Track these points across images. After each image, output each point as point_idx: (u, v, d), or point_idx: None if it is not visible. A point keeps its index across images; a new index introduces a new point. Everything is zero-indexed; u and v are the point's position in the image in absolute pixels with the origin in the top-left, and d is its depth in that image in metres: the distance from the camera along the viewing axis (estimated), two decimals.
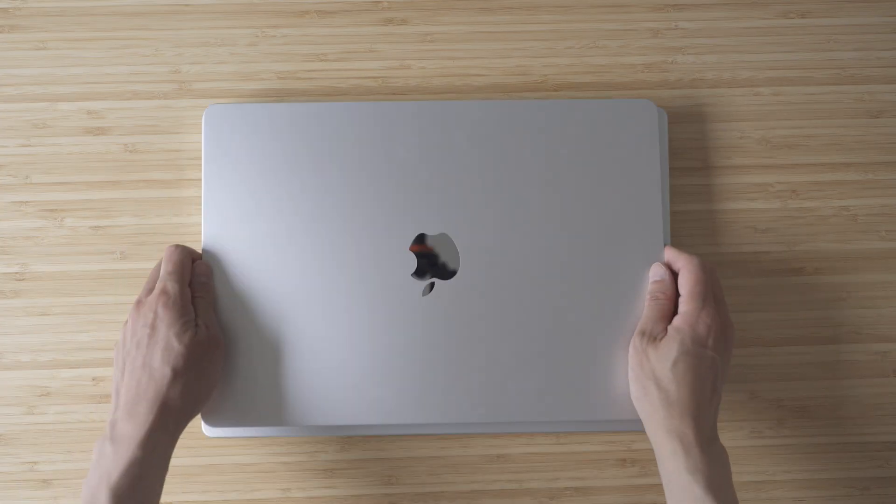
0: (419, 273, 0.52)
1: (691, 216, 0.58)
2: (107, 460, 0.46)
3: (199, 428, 0.56)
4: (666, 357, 0.48)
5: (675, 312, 0.51)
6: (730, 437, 0.58)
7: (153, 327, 0.48)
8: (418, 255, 0.52)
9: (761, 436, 0.58)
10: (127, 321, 0.50)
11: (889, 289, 0.58)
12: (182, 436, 0.56)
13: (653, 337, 0.50)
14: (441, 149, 0.52)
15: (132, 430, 0.46)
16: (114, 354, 0.50)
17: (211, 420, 0.51)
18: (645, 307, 0.52)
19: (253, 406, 0.51)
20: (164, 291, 0.49)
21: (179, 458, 0.56)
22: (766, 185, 0.59)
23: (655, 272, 0.52)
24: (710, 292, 0.50)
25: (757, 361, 0.58)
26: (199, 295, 0.51)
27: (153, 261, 0.57)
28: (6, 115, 0.57)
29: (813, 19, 0.59)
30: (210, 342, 0.49)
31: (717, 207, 0.58)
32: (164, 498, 0.56)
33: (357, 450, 0.57)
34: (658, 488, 0.56)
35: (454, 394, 0.51)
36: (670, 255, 0.53)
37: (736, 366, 0.58)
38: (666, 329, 0.50)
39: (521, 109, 0.53)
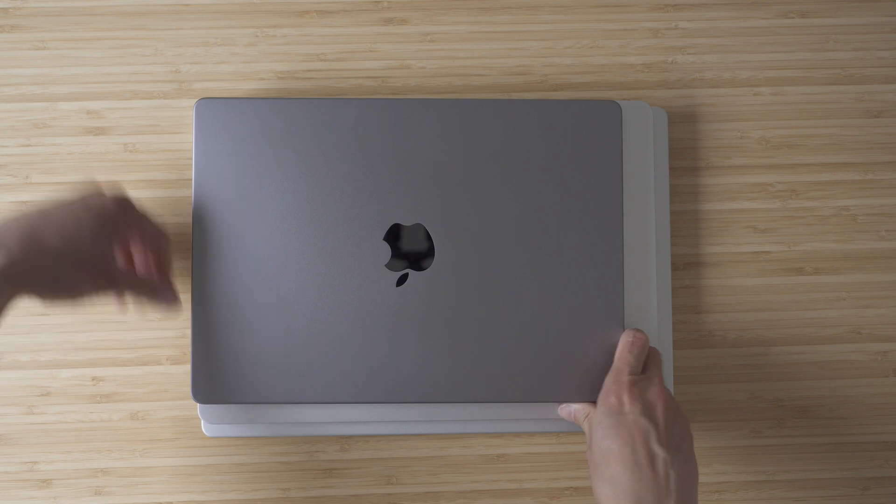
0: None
1: (691, 216, 0.58)
2: None
3: (199, 428, 0.56)
4: (589, 441, 0.48)
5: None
6: (730, 437, 0.58)
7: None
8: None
9: (761, 436, 0.58)
10: None
11: (889, 289, 0.58)
12: (182, 436, 0.56)
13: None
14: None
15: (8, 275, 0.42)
16: None
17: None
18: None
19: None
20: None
21: (179, 458, 0.56)
22: (766, 185, 0.59)
23: (566, 414, 0.53)
24: (625, 366, 0.49)
25: (757, 361, 0.58)
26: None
27: None
28: (6, 115, 0.57)
29: (813, 19, 0.59)
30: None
31: (717, 207, 0.58)
32: (164, 498, 0.56)
33: (357, 450, 0.57)
34: None
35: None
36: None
37: (736, 366, 0.58)
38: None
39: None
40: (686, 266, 0.58)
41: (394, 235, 0.53)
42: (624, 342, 0.51)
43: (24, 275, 0.43)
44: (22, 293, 0.43)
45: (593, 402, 0.51)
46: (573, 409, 0.53)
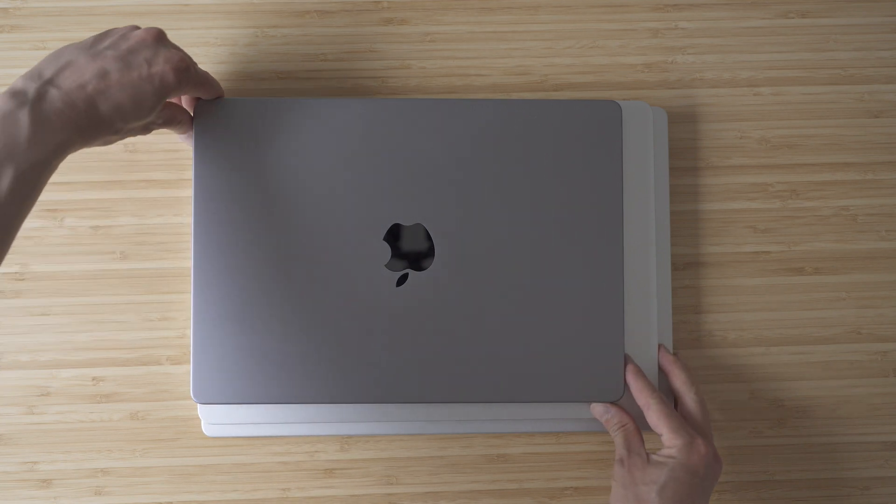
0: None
1: (691, 216, 0.58)
2: (21, 132, 0.40)
3: (199, 428, 0.56)
4: (653, 481, 0.48)
5: (639, 430, 0.52)
6: (730, 437, 0.58)
7: (161, 43, 0.46)
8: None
9: (761, 436, 0.58)
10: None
11: (889, 289, 0.58)
12: (182, 436, 0.56)
13: (633, 462, 0.50)
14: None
15: (70, 122, 0.42)
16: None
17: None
18: (613, 438, 0.53)
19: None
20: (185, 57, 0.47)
21: (179, 458, 0.56)
22: (766, 185, 0.59)
23: (600, 413, 0.54)
24: (707, 426, 0.51)
25: (757, 361, 0.58)
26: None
27: (153, 261, 0.57)
28: None
29: (813, 19, 0.59)
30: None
31: (718, 207, 0.58)
32: (164, 498, 0.56)
33: (357, 450, 0.57)
34: None
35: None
36: (665, 362, 0.54)
37: (736, 366, 0.58)
38: (644, 448, 0.51)
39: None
40: (686, 266, 0.58)
41: (394, 235, 0.53)
42: (691, 389, 0.53)
43: (78, 145, 0.44)
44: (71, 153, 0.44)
45: (612, 402, 0.53)
46: (611, 415, 0.53)
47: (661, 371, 0.55)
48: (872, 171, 0.59)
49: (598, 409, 0.54)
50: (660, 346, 0.55)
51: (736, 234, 0.58)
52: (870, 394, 0.58)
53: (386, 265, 0.53)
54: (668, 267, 0.57)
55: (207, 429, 0.55)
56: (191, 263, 0.53)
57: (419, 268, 0.53)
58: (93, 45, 0.45)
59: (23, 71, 0.57)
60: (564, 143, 0.53)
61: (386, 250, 0.53)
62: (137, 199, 0.57)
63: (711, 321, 0.58)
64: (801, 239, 0.58)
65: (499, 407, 0.55)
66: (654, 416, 0.51)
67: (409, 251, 0.53)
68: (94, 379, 0.56)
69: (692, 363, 0.58)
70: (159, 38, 0.47)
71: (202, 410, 0.55)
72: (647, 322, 0.55)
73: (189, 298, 0.56)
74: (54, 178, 0.57)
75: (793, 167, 0.59)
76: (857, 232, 0.59)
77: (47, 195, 0.57)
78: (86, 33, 0.58)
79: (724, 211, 0.58)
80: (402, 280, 0.53)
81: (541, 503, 0.57)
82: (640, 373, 0.53)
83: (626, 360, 0.53)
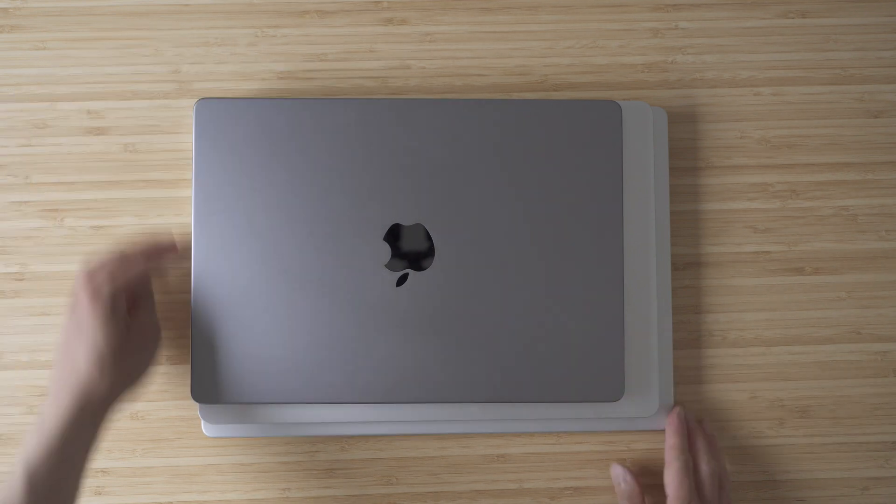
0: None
1: (691, 216, 0.58)
2: (30, 436, 0.45)
3: (199, 428, 0.56)
4: None
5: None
6: (730, 437, 0.58)
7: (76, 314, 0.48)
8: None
9: (761, 436, 0.58)
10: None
11: (889, 289, 0.58)
12: (182, 436, 0.56)
13: None
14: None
15: (54, 414, 0.46)
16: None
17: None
18: None
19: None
20: (95, 280, 0.48)
21: (179, 458, 0.56)
22: (766, 185, 0.59)
23: (615, 476, 0.56)
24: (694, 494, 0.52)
25: (757, 361, 0.58)
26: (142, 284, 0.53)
27: None
28: (6, 115, 0.57)
29: (813, 19, 0.59)
30: (143, 334, 0.51)
31: (717, 207, 0.58)
32: (164, 498, 0.56)
33: (357, 450, 0.57)
34: (656, 488, 0.56)
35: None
36: (672, 427, 0.55)
37: (736, 366, 0.58)
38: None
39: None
40: (686, 266, 0.58)
41: (394, 235, 0.53)
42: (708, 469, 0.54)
43: (96, 404, 0.47)
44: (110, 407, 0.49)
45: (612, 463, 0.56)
46: (625, 486, 0.55)
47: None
48: (872, 171, 0.59)
49: (615, 472, 0.56)
50: (680, 410, 0.56)
51: (736, 234, 0.58)
52: (870, 394, 0.58)
53: (386, 265, 0.53)
54: (668, 267, 0.57)
55: (207, 429, 0.55)
56: (191, 263, 0.53)
57: (419, 268, 0.53)
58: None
59: (22, 70, 0.57)
60: (564, 143, 0.53)
61: (386, 250, 0.53)
62: (137, 199, 0.57)
63: (711, 321, 0.58)
64: (801, 239, 0.58)
65: (499, 407, 0.55)
66: (670, 476, 0.52)
67: (409, 251, 0.53)
68: None
69: (692, 363, 0.58)
70: (79, 278, 0.48)
71: (202, 410, 0.55)
72: (647, 322, 0.55)
73: (189, 299, 0.56)
74: (54, 178, 0.57)
75: (793, 167, 0.59)
76: (857, 232, 0.59)
77: (47, 195, 0.57)
78: (86, 33, 0.58)
79: (724, 211, 0.58)
80: (402, 280, 0.53)
81: (541, 503, 0.57)
82: (681, 430, 0.54)
83: (677, 408, 0.55)
